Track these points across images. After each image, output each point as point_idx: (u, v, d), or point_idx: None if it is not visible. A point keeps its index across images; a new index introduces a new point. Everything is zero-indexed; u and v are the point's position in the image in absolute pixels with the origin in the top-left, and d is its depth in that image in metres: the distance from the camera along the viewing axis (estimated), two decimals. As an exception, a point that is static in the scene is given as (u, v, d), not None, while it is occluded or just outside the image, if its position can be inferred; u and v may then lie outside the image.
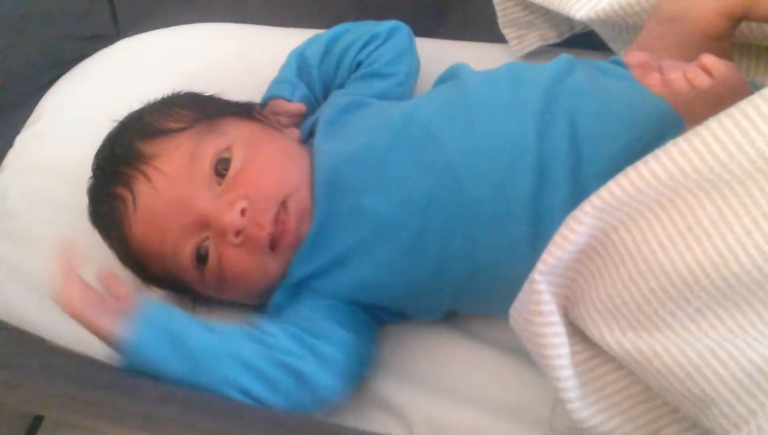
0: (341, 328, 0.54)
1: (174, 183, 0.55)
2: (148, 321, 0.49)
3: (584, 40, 0.70)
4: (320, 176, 0.57)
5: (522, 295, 0.46)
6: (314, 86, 0.70)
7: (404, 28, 0.70)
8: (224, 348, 0.50)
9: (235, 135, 0.57)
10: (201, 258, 0.56)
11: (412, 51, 0.70)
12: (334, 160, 0.58)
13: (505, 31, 0.72)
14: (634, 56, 0.43)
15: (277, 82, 0.70)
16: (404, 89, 0.68)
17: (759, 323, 0.40)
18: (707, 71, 0.41)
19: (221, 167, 0.56)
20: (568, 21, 0.69)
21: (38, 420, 0.63)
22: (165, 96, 0.63)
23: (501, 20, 0.72)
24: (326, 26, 0.71)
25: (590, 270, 0.45)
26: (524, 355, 0.49)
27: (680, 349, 0.41)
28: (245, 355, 0.50)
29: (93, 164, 0.60)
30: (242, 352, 0.50)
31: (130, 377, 0.51)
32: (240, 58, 0.77)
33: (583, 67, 0.58)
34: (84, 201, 0.60)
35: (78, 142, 0.65)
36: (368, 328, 0.58)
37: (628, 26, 0.63)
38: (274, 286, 0.58)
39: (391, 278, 0.56)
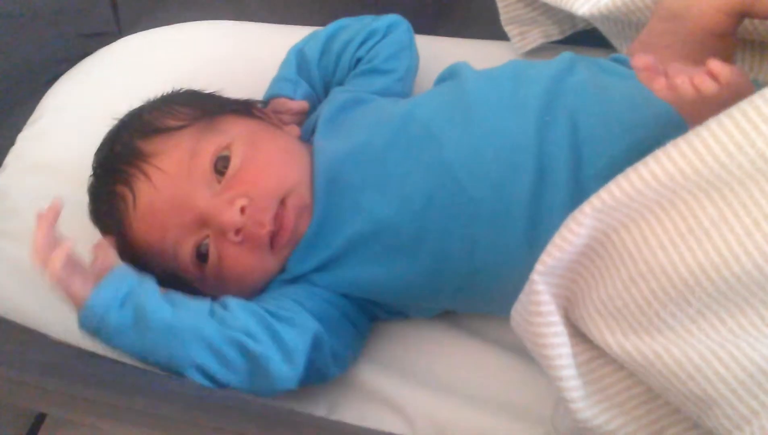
0: (310, 316, 0.53)
1: (174, 181, 0.55)
2: (110, 282, 0.48)
3: (586, 37, 0.69)
4: (320, 174, 0.57)
5: (522, 296, 0.46)
6: (314, 83, 0.69)
7: (403, 23, 0.69)
8: (185, 322, 0.49)
9: (234, 133, 0.57)
10: (201, 256, 0.56)
11: (411, 46, 0.70)
12: (333, 158, 0.58)
13: (507, 28, 0.72)
14: (639, 60, 0.43)
15: (279, 80, 0.69)
16: (404, 84, 0.68)
17: (760, 324, 0.40)
18: (714, 76, 0.41)
19: (221, 165, 0.56)
20: (571, 18, 0.69)
21: (41, 417, 0.63)
22: (164, 94, 0.63)
23: (503, 17, 0.72)
24: (326, 24, 0.71)
25: (590, 271, 0.45)
26: (526, 354, 0.49)
27: (682, 350, 0.41)
28: (203, 331, 0.49)
29: (93, 162, 0.60)
30: (201, 327, 0.49)
31: (132, 375, 0.51)
32: (240, 56, 0.77)
33: (585, 65, 0.57)
34: (85, 199, 0.60)
35: (79, 140, 0.65)
36: (352, 324, 0.57)
37: (630, 23, 0.63)
38: (270, 281, 0.58)
39: (389, 277, 0.55)
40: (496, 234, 0.52)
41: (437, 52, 0.72)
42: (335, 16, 0.71)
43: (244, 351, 0.49)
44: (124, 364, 0.55)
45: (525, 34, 0.72)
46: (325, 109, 0.63)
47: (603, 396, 0.46)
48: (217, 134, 0.57)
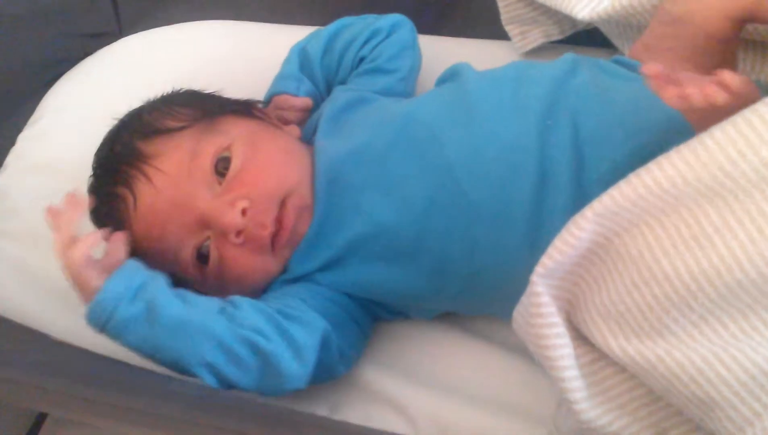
0: (317, 314, 0.53)
1: (174, 183, 0.54)
2: (123, 275, 0.48)
3: (587, 36, 0.69)
4: (321, 174, 0.57)
5: (523, 298, 0.46)
6: (317, 81, 0.69)
7: (407, 23, 0.69)
8: (195, 319, 0.49)
9: (235, 133, 0.57)
10: (202, 257, 0.56)
11: (415, 46, 0.69)
12: (334, 158, 0.58)
13: (508, 28, 0.72)
14: (649, 68, 0.43)
15: (281, 77, 0.69)
16: (407, 84, 0.68)
17: (763, 328, 0.40)
18: (725, 87, 0.41)
19: (221, 166, 0.55)
20: (571, 18, 0.69)
21: (41, 417, 0.63)
22: (164, 94, 0.62)
23: (503, 17, 0.71)
24: (327, 24, 0.71)
25: (593, 275, 0.45)
26: (528, 354, 0.49)
27: (684, 353, 0.41)
28: (214, 328, 0.48)
29: (93, 163, 0.60)
30: (212, 325, 0.49)
31: (133, 374, 0.51)
32: (240, 56, 0.77)
33: (587, 67, 0.57)
34: (85, 199, 0.60)
35: (80, 140, 0.65)
36: (355, 323, 0.57)
37: (631, 25, 0.62)
38: (272, 282, 0.58)
39: (390, 278, 0.55)
40: (497, 236, 0.52)
41: (439, 52, 0.72)
42: (336, 17, 0.71)
43: (256, 349, 0.49)
44: (124, 364, 0.55)
45: (526, 33, 0.72)
46: (328, 108, 0.63)
47: (606, 397, 0.46)
48: (217, 135, 0.57)
